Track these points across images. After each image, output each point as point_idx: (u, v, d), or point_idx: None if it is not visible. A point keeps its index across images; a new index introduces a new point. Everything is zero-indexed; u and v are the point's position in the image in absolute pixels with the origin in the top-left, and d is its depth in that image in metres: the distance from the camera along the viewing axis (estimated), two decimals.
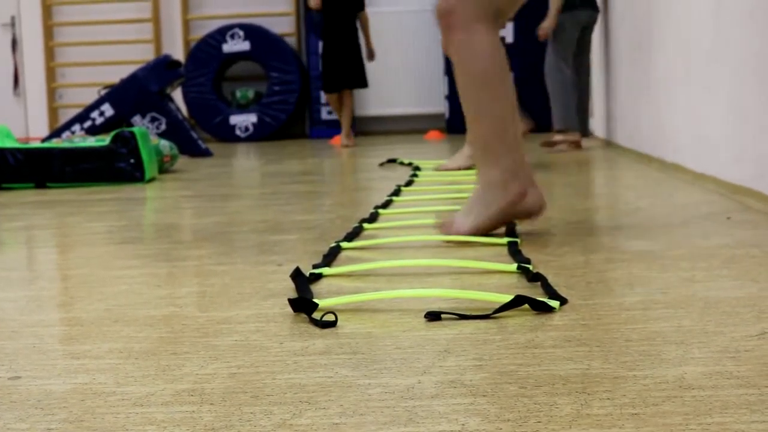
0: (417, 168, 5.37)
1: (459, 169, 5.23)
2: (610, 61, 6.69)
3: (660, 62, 4.85)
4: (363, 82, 8.52)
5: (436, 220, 2.85)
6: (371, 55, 8.57)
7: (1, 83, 10.72)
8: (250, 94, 10.04)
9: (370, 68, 9.93)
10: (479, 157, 2.80)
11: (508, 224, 2.98)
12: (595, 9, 6.73)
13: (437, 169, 5.29)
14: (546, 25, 6.56)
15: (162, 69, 7.48)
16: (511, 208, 2.79)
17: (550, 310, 1.86)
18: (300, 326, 1.83)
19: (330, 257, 2.54)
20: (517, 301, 1.86)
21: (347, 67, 8.41)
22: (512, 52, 7.78)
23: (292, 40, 10.30)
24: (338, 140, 9.14)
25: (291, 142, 9.46)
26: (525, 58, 9.04)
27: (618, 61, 6.30)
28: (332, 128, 9.82)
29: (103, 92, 7.57)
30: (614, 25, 6.44)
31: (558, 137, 6.54)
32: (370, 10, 9.44)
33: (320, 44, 8.80)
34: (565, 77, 6.53)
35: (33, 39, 10.54)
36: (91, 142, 5.45)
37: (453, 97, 9.79)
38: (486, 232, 2.79)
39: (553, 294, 1.97)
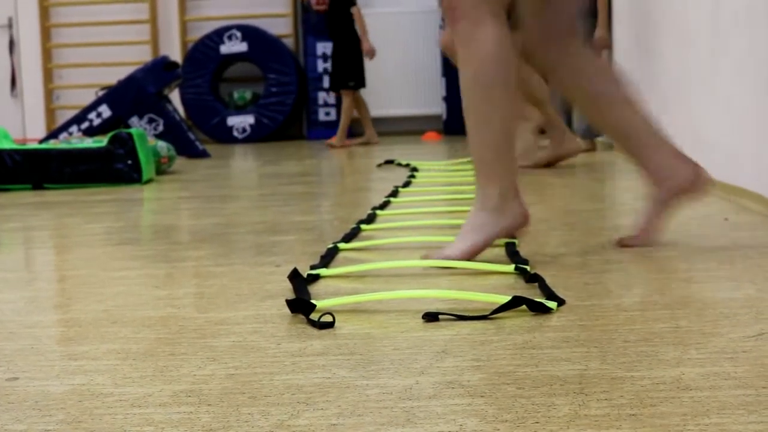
0: (415, 169, 5.36)
1: None
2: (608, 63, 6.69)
3: (657, 63, 4.85)
4: (358, 83, 8.54)
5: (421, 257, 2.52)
6: (369, 53, 8.56)
7: None
8: (248, 95, 10.04)
9: (368, 68, 9.91)
10: (476, 171, 2.56)
11: None
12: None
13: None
14: (603, 34, 6.15)
15: (159, 70, 7.47)
16: (505, 234, 2.57)
17: (547, 311, 1.86)
18: (298, 327, 1.83)
19: (328, 258, 2.54)
20: (515, 302, 1.86)
21: (344, 67, 8.45)
22: None
23: (289, 42, 10.29)
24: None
25: (288, 143, 9.46)
26: None
27: (616, 63, 6.30)
28: (330, 129, 9.82)
29: (100, 93, 7.56)
30: (614, 27, 6.44)
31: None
32: (367, 11, 9.44)
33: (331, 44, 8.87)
34: None
35: (30, 40, 10.53)
36: (89, 143, 5.45)
37: (450, 98, 9.78)
38: (475, 255, 2.49)
39: (550, 295, 1.97)
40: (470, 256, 2.46)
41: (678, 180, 2.64)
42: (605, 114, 2.68)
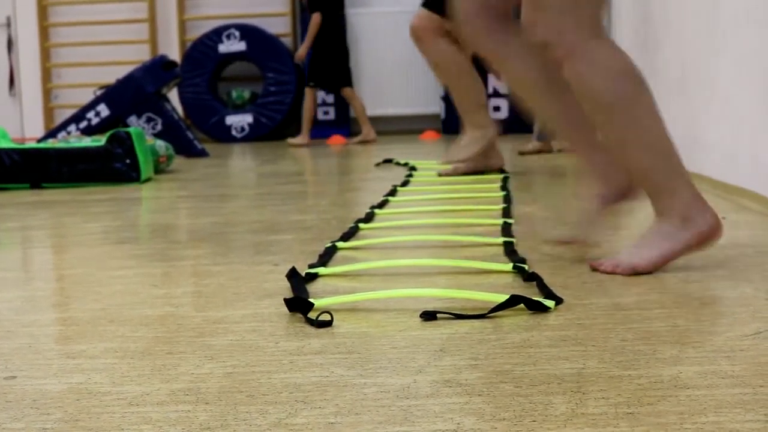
0: (413, 168, 5.36)
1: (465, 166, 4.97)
2: None
3: (655, 62, 4.85)
4: (317, 83, 8.84)
5: (589, 261, 2.36)
6: (299, 58, 8.88)
7: None
8: (246, 94, 10.03)
9: (366, 68, 9.91)
10: (651, 182, 2.36)
11: (504, 223, 2.99)
12: None
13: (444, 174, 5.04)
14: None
15: (158, 69, 7.47)
16: (696, 244, 2.31)
17: (545, 309, 1.87)
18: (296, 326, 1.83)
19: (326, 257, 2.54)
20: (513, 301, 1.86)
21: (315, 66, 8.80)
22: None
23: (288, 41, 10.29)
24: (335, 140, 9.15)
25: (287, 142, 9.45)
26: None
27: None
28: (328, 128, 9.82)
29: (99, 93, 7.56)
30: (614, 24, 6.44)
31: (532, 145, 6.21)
32: (366, 10, 9.45)
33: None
34: None
35: (29, 39, 10.52)
36: (87, 142, 5.45)
37: (448, 97, 9.77)
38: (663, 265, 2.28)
39: (548, 294, 1.97)
40: (659, 267, 2.26)
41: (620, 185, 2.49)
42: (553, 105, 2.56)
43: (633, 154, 2.33)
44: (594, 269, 2.29)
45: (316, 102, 8.99)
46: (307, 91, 8.79)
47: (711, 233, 2.29)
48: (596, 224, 2.53)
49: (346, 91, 8.86)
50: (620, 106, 2.31)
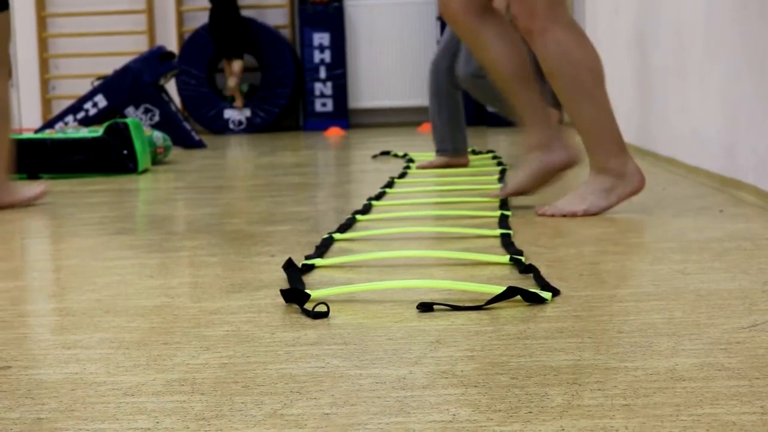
0: (411, 160, 5.36)
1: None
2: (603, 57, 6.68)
3: (653, 56, 4.85)
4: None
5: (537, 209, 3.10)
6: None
7: None
8: (244, 87, 10.03)
9: (364, 60, 9.90)
10: (590, 139, 3.05)
11: (501, 215, 2.99)
12: None
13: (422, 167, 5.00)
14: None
15: (156, 60, 7.46)
16: (629, 196, 3.05)
17: (542, 301, 1.86)
18: (292, 317, 1.83)
19: (323, 248, 2.54)
20: (510, 293, 1.86)
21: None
22: None
23: (286, 32, 10.28)
24: (333, 132, 9.14)
25: (285, 134, 9.45)
26: None
27: (611, 56, 6.30)
28: (326, 120, 9.81)
29: (96, 83, 7.55)
30: (612, 20, 6.44)
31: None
32: (365, 2, 9.43)
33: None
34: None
35: (26, 30, 10.51)
36: (84, 133, 5.44)
37: None
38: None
39: (545, 285, 1.97)
40: (602, 212, 3.01)
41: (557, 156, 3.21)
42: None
43: (585, 119, 3.02)
44: (540, 215, 3.04)
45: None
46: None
47: (637, 190, 3.05)
48: (536, 180, 3.25)
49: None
50: (578, 80, 2.98)
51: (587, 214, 3.00)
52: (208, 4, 9.89)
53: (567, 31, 3.00)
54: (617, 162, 3.01)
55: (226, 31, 9.51)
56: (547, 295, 1.88)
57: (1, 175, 3.87)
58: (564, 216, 2.99)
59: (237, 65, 9.61)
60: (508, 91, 3.19)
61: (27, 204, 3.90)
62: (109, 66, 8.60)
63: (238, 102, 9.79)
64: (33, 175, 5.26)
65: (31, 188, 3.95)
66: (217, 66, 10.09)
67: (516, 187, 3.30)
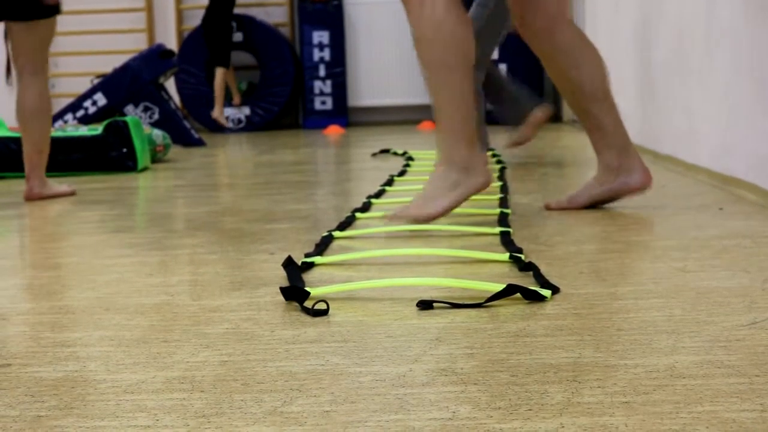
0: (410, 158, 5.36)
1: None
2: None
3: (653, 54, 4.85)
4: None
5: (384, 214, 2.92)
6: (217, 117, 9.55)
7: None
8: (244, 84, 10.02)
9: (364, 58, 9.90)
10: (442, 131, 2.94)
11: (501, 213, 2.99)
12: None
13: None
14: None
15: (155, 58, 7.45)
16: (475, 192, 2.87)
17: (541, 299, 1.86)
18: (291, 315, 1.83)
19: (322, 246, 2.53)
20: (509, 290, 1.86)
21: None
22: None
23: (285, 31, 10.28)
24: (332, 130, 9.14)
25: (284, 132, 9.44)
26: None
27: (611, 55, 6.30)
28: (326, 118, 9.81)
29: (95, 82, 7.55)
30: (614, 19, 6.44)
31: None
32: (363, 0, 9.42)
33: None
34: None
35: None
36: (84, 131, 5.44)
37: None
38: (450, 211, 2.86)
39: (544, 283, 1.97)
40: (446, 212, 2.83)
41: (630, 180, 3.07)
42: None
43: (593, 112, 3.01)
44: (548, 209, 3.06)
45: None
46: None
47: (643, 187, 3.04)
48: (611, 198, 3.10)
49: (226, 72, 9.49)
50: (593, 83, 2.99)
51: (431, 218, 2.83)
52: (207, 2, 9.89)
53: (574, 29, 2.98)
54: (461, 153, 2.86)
55: (210, 39, 9.41)
56: (546, 292, 1.88)
57: (40, 171, 4.19)
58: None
59: (218, 73, 9.40)
60: (584, 110, 3.06)
61: (56, 197, 4.18)
62: (109, 64, 8.59)
63: (236, 99, 9.74)
64: None
65: (62, 186, 4.28)
66: None
67: (588, 201, 3.10)
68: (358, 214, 3.09)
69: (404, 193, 3.82)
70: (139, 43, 10.08)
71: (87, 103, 7.35)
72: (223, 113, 9.50)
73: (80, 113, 7.32)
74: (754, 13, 3.21)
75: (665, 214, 2.98)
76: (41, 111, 4.45)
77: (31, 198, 4.10)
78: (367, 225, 2.95)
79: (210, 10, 9.42)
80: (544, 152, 5.56)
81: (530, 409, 1.24)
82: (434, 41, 2.84)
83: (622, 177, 3.04)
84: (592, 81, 2.99)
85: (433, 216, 2.80)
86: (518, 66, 8.76)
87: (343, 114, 9.98)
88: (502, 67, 8.51)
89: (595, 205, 3.09)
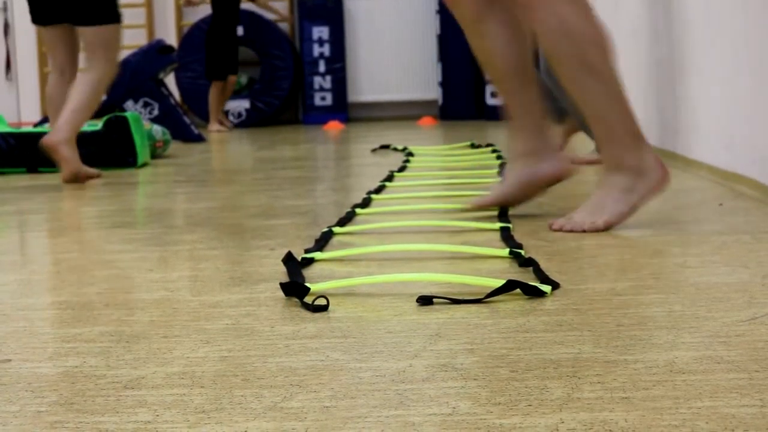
0: (410, 154, 5.36)
1: None
2: None
3: (653, 49, 4.84)
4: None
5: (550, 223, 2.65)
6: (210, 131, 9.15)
7: None
8: (243, 80, 10.02)
9: (363, 54, 9.89)
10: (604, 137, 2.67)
11: (501, 210, 2.99)
12: None
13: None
14: None
15: (155, 54, 7.45)
16: (654, 194, 2.66)
17: (541, 294, 1.86)
18: (291, 310, 1.83)
19: (322, 242, 2.54)
20: (509, 286, 1.86)
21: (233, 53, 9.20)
22: None
23: (285, 26, 10.28)
24: (332, 125, 9.14)
25: (284, 127, 9.45)
26: None
27: None
28: (325, 114, 9.81)
29: None
30: (615, 13, 6.43)
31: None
32: None
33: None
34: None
35: (25, 23, 10.45)
36: (84, 126, 5.43)
37: (446, 83, 9.77)
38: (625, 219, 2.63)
39: (544, 279, 1.97)
40: (625, 219, 2.60)
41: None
42: None
43: (594, 104, 2.64)
44: (556, 230, 2.60)
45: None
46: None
47: (661, 185, 2.65)
48: (521, 192, 2.91)
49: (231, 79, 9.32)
50: (583, 57, 2.61)
51: (609, 225, 2.57)
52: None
53: (569, 3, 2.63)
54: (633, 156, 2.61)
55: (211, 52, 9.21)
56: (546, 288, 1.88)
57: (74, 144, 4.53)
58: (584, 232, 2.55)
59: (213, 86, 9.21)
60: (501, 88, 2.88)
61: (85, 179, 4.51)
62: None
63: (225, 122, 9.45)
64: (32, 169, 5.26)
65: (91, 169, 4.59)
66: None
67: (497, 198, 2.95)
68: (358, 210, 3.09)
69: (404, 189, 3.82)
70: (138, 39, 10.08)
71: None
72: (218, 124, 9.24)
73: None
74: (755, 6, 3.20)
75: (665, 210, 2.98)
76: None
77: (50, 143, 4.43)
78: (367, 221, 2.95)
79: (213, 24, 9.22)
80: None
81: (530, 405, 1.24)
82: (605, 47, 2.63)
83: (533, 165, 2.86)
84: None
85: (612, 223, 2.58)
86: None
87: (342, 109, 9.98)
88: None
89: (515, 202, 2.93)
